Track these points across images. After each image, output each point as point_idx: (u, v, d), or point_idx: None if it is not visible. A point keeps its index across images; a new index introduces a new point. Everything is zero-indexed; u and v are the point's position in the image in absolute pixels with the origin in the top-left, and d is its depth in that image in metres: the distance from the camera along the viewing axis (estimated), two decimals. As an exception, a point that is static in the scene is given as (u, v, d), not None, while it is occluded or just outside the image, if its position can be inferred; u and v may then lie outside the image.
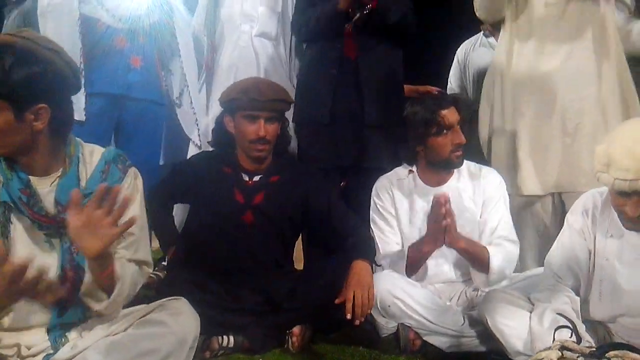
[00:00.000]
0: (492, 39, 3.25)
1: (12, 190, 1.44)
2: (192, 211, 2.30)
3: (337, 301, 1.93)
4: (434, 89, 3.11)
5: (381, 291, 2.01)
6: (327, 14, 2.52)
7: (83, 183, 1.51)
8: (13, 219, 1.46)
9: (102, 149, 1.59)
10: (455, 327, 2.02)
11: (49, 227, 1.47)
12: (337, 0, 2.46)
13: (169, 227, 2.36)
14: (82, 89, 2.34)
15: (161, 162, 2.79)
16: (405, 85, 2.74)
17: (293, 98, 2.47)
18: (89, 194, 1.44)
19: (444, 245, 2.08)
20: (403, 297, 2.03)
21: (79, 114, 2.36)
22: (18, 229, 1.46)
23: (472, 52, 3.38)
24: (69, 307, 1.50)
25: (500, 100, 2.48)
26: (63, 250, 1.49)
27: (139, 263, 1.59)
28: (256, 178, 2.21)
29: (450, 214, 2.01)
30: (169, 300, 1.57)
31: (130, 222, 1.40)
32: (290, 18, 2.80)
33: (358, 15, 2.45)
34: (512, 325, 1.82)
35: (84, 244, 1.39)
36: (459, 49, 3.49)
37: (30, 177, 1.46)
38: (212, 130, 2.33)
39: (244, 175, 2.21)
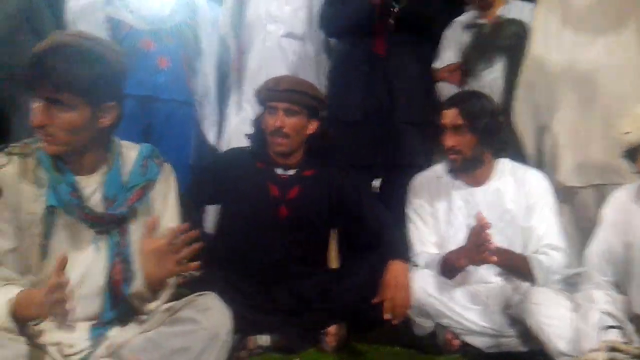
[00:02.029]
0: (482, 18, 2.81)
1: (62, 194, 1.45)
2: (225, 207, 2.26)
3: (374, 301, 1.90)
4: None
5: (417, 290, 1.96)
6: (357, 10, 2.48)
7: (126, 178, 1.54)
8: (57, 222, 1.47)
9: (137, 145, 1.62)
10: (494, 327, 1.96)
11: (99, 224, 1.49)
12: None
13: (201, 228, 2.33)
14: None
15: (190, 162, 2.78)
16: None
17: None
18: (132, 188, 1.52)
19: None
20: (440, 296, 1.97)
21: None
22: (61, 234, 1.48)
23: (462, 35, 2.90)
24: (119, 302, 1.51)
25: (539, 93, 2.40)
26: (111, 244, 1.51)
27: None
28: (290, 172, 2.17)
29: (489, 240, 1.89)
30: (198, 295, 1.55)
31: (195, 266, 1.44)
32: (317, 16, 2.77)
33: (393, 10, 2.41)
34: (555, 324, 1.76)
35: (148, 270, 1.46)
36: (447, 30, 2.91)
37: (77, 177, 1.48)
38: (252, 128, 2.28)
39: (277, 169, 2.17)
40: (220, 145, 2.83)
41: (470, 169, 2.15)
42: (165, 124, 2.53)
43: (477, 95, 2.18)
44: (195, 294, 1.57)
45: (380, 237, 2.10)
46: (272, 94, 2.09)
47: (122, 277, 1.52)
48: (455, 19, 2.83)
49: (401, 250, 2.06)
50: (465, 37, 2.69)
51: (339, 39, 2.67)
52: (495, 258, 1.90)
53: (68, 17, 2.44)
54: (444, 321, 1.98)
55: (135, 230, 1.55)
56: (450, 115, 2.09)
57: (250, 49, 2.82)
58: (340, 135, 2.53)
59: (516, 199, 2.14)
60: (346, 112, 2.52)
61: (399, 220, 2.25)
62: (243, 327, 1.81)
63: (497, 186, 2.16)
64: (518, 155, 2.38)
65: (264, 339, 1.94)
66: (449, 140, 2.09)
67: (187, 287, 2.02)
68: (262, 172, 2.16)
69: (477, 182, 2.18)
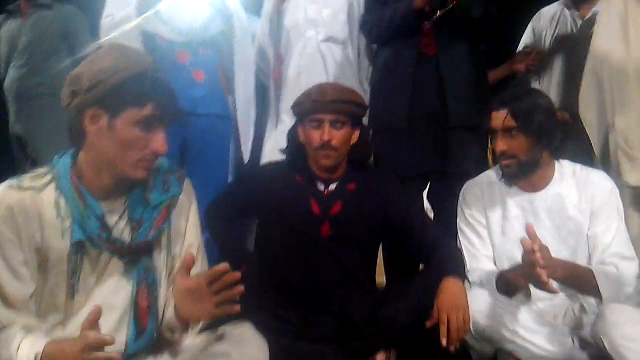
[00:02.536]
0: (574, 12, 2.83)
1: (90, 228, 1.35)
2: (261, 226, 2.15)
3: (428, 324, 1.72)
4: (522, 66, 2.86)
5: (475, 312, 1.76)
6: (402, 12, 2.34)
7: (148, 196, 1.44)
8: (85, 257, 1.38)
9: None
10: (563, 351, 1.74)
11: (130, 254, 1.41)
12: None
13: (239, 245, 2.22)
14: None
15: (230, 180, 2.69)
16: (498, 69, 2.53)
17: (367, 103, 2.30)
18: (157, 207, 1.42)
19: None
20: (501, 318, 1.77)
21: None
22: (89, 268, 1.38)
23: (549, 26, 2.91)
24: (144, 331, 1.41)
25: (605, 89, 2.19)
26: (139, 270, 1.42)
27: None
28: (332, 187, 2.04)
29: (543, 250, 1.70)
30: (233, 326, 1.45)
31: (237, 309, 1.36)
32: (358, 19, 2.64)
33: (439, 13, 2.26)
34: (636, 347, 1.54)
35: (183, 309, 1.38)
36: (534, 19, 3.02)
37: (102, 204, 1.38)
38: (287, 141, 2.17)
39: (318, 183, 2.04)
40: (259, 161, 2.73)
41: (527, 174, 1.95)
42: (203, 140, 2.43)
43: (528, 93, 1.98)
44: (230, 323, 1.47)
45: (430, 253, 1.93)
46: (317, 106, 1.94)
47: (148, 304, 1.42)
48: (543, 9, 2.83)
49: (455, 266, 1.88)
50: (551, 29, 2.56)
51: (383, 43, 2.51)
52: (559, 272, 1.71)
53: (102, 34, 2.38)
54: (507, 346, 1.78)
55: (160, 252, 1.46)
56: (500, 117, 1.90)
57: (289, 57, 2.71)
58: (386, 144, 2.40)
59: (579, 204, 1.93)
60: (392, 119, 2.37)
61: (451, 234, 2.08)
62: (283, 358, 1.67)
63: (557, 191, 1.96)
64: (583, 155, 2.17)
65: (307, 370, 1.79)
66: (501, 145, 1.90)
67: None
68: (302, 188, 2.03)
69: (535, 187, 1.98)
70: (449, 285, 1.77)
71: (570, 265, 1.84)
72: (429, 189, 2.50)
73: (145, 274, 1.42)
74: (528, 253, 1.65)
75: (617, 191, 1.96)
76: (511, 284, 1.81)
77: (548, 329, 1.79)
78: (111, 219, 1.38)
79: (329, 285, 1.96)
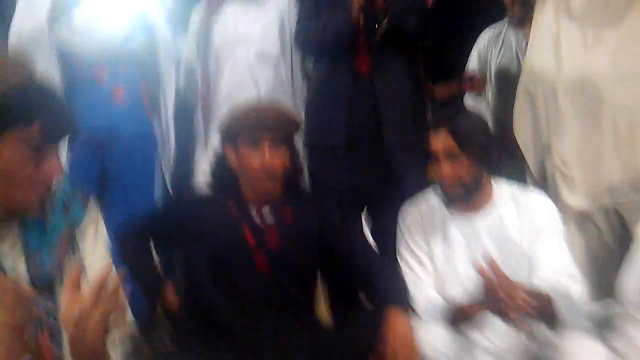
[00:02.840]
0: (519, 32, 2.86)
1: None
2: (191, 260, 1.94)
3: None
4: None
5: (427, 348, 1.64)
6: (335, 26, 2.23)
7: (46, 223, 1.26)
8: None
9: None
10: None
11: None
12: (346, 10, 2.18)
13: (154, 270, 1.98)
14: None
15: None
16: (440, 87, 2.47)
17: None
18: (55, 237, 1.26)
19: None
20: (453, 354, 1.66)
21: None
22: None
23: (494, 46, 2.95)
24: None
25: (540, 106, 2.14)
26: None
27: None
28: (265, 211, 1.86)
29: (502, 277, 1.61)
30: None
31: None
32: (290, 35, 2.53)
33: (379, 27, 2.17)
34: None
35: (71, 337, 1.10)
36: (480, 38, 3.03)
37: None
38: (210, 172, 1.97)
39: (251, 208, 1.86)
40: (185, 185, 2.56)
41: (470, 196, 1.88)
42: (124, 161, 2.27)
43: (464, 113, 1.94)
44: None
45: (372, 282, 1.82)
46: (255, 125, 1.79)
47: (52, 353, 1.20)
48: (485, 30, 2.91)
49: (398, 295, 1.77)
50: (496, 49, 2.55)
51: (317, 57, 2.41)
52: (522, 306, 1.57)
53: (12, 43, 2.17)
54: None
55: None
56: (440, 139, 1.80)
57: (219, 76, 2.56)
58: (322, 160, 2.30)
59: (519, 225, 1.85)
60: (328, 137, 2.26)
61: (392, 259, 1.98)
62: None
63: (497, 212, 1.87)
64: (518, 175, 2.13)
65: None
66: (446, 169, 1.80)
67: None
68: (234, 214, 1.86)
69: (475, 209, 1.88)
70: (394, 318, 1.66)
71: (533, 292, 1.67)
72: (367, 212, 2.40)
73: (47, 315, 1.21)
74: (487, 282, 1.55)
75: (556, 211, 1.90)
76: (465, 314, 1.71)
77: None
78: (6, 263, 1.17)
79: (266, 325, 1.79)
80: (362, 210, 2.38)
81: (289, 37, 2.53)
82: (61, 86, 2.14)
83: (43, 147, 1.11)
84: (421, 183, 2.07)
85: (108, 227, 2.27)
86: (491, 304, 1.60)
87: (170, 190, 2.43)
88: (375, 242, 2.29)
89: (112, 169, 2.27)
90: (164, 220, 1.94)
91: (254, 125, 1.79)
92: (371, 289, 1.81)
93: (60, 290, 1.25)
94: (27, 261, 1.20)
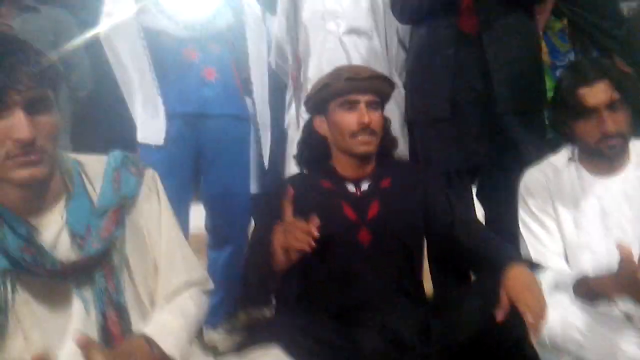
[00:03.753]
0: None
1: (10, 250, 1.05)
2: None
3: (499, 316, 1.42)
4: None
5: (550, 320, 1.45)
6: None
7: (95, 200, 1.17)
8: (16, 286, 1.08)
9: (104, 157, 1.24)
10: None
11: (74, 276, 1.11)
12: None
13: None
14: (159, 108, 2.07)
15: (253, 191, 2.44)
16: None
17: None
18: (104, 213, 1.15)
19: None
20: (583, 328, 1.47)
21: (155, 137, 2.07)
22: (25, 299, 1.09)
23: None
24: None
25: None
26: (98, 292, 1.13)
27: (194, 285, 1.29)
28: (364, 186, 1.77)
29: None
30: (259, 352, 1.20)
31: None
32: (382, 6, 2.39)
33: None
34: None
35: None
36: None
37: (29, 222, 1.09)
38: (299, 142, 1.91)
39: (348, 185, 1.77)
40: (280, 168, 2.49)
41: (623, 152, 1.66)
42: (219, 144, 2.19)
43: (611, 60, 1.72)
44: (257, 349, 1.23)
45: (483, 252, 1.65)
46: (351, 85, 1.69)
47: (121, 330, 1.14)
48: None
49: (518, 255, 1.61)
50: None
51: (416, 22, 2.23)
52: None
53: (101, 35, 2.15)
54: (590, 357, 1.47)
55: (122, 266, 1.18)
56: (600, 91, 1.60)
57: (309, 54, 2.46)
58: (427, 137, 2.14)
59: None
60: (433, 108, 2.09)
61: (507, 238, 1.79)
62: None
63: (636, 174, 1.66)
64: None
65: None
66: (609, 122, 1.60)
67: (250, 338, 1.65)
68: (331, 193, 1.76)
69: (611, 171, 1.68)
70: (516, 271, 1.48)
71: None
72: (478, 186, 2.21)
73: (108, 296, 1.14)
74: (627, 262, 1.34)
75: None
76: (598, 293, 1.50)
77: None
78: (47, 236, 1.10)
79: (371, 298, 1.67)
80: (473, 184, 2.20)
81: (382, 7, 2.40)
82: (152, 71, 2.10)
83: (2, 113, 1.01)
84: (539, 150, 1.88)
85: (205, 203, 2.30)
86: (627, 288, 1.39)
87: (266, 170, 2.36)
88: (488, 218, 2.12)
89: (206, 154, 2.20)
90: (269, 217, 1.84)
91: (351, 85, 1.69)
92: (484, 258, 1.63)
93: (116, 264, 1.17)
94: (78, 247, 1.11)
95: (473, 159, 2.05)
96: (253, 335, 1.64)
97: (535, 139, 1.99)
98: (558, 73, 2.31)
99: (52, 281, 1.10)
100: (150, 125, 2.10)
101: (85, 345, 0.98)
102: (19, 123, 1.01)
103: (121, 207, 1.18)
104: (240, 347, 1.35)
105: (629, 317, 1.53)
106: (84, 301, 1.12)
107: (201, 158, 2.19)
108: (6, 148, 1.02)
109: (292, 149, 2.43)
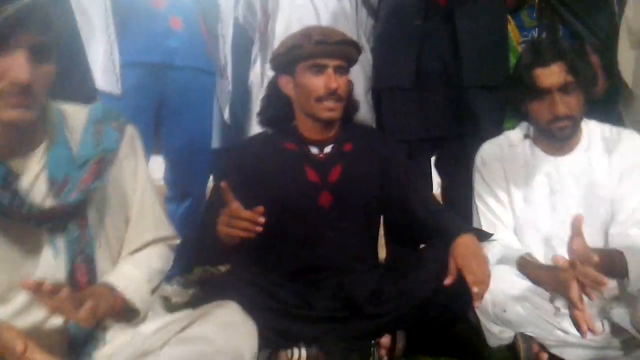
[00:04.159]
0: None
1: None
2: (254, 199, 1.86)
3: (447, 281, 1.49)
4: None
5: (494, 291, 1.52)
6: None
7: (74, 150, 1.17)
8: None
9: (84, 107, 1.23)
10: (596, 337, 1.52)
11: (49, 221, 1.11)
12: None
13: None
14: (115, 57, 2.01)
15: (214, 146, 2.42)
16: None
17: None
18: (84, 164, 1.16)
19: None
20: (525, 299, 1.55)
21: (112, 86, 2.01)
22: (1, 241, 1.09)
23: None
24: None
25: None
26: (70, 241, 1.14)
27: (161, 241, 1.32)
28: (327, 149, 1.79)
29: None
30: (215, 306, 1.20)
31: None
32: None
33: None
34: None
35: None
36: None
37: (8, 162, 1.09)
38: (263, 100, 1.90)
39: (312, 148, 1.78)
40: (244, 123, 2.47)
41: (573, 134, 1.72)
42: (182, 95, 2.16)
43: (571, 42, 1.76)
44: (212, 303, 1.22)
45: (436, 222, 1.71)
46: (321, 49, 1.68)
47: (87, 280, 1.16)
48: None
49: (468, 227, 1.67)
50: None
51: None
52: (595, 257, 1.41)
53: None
54: (529, 330, 1.56)
55: (96, 219, 1.19)
56: (555, 73, 1.64)
57: (278, 10, 2.42)
58: (391, 105, 2.15)
59: (609, 169, 1.71)
60: (398, 77, 2.10)
61: (463, 205, 1.86)
62: (273, 339, 1.48)
63: (586, 155, 1.73)
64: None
65: (300, 354, 1.54)
66: (560, 104, 1.64)
67: (203, 292, 1.67)
68: (294, 155, 1.78)
69: (562, 151, 1.74)
70: (465, 240, 1.55)
71: (603, 257, 1.49)
72: (437, 156, 2.26)
73: (79, 246, 1.15)
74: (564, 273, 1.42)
75: None
76: (537, 281, 1.58)
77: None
78: (25, 180, 1.10)
79: (328, 260, 1.71)
80: (432, 154, 2.25)
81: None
82: (115, 15, 2.03)
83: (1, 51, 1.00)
84: (498, 125, 1.93)
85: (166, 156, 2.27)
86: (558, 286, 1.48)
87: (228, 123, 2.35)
88: (446, 188, 2.17)
89: (169, 104, 2.17)
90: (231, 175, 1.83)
91: (320, 49, 1.68)
92: (436, 229, 1.69)
93: (90, 215, 1.18)
94: (54, 195, 1.11)
95: (434, 129, 2.09)
96: (207, 290, 1.68)
97: (495, 114, 2.03)
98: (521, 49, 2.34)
99: (26, 225, 1.10)
100: (107, 73, 2.05)
101: (35, 289, 0.97)
102: (19, 65, 1.01)
103: (101, 160, 1.18)
104: (194, 302, 1.37)
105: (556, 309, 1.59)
106: (54, 248, 1.12)
107: (163, 109, 2.16)
108: (0, 86, 1.01)
109: (255, 105, 2.43)
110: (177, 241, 1.40)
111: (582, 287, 1.39)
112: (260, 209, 1.39)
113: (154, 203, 1.32)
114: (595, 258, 1.37)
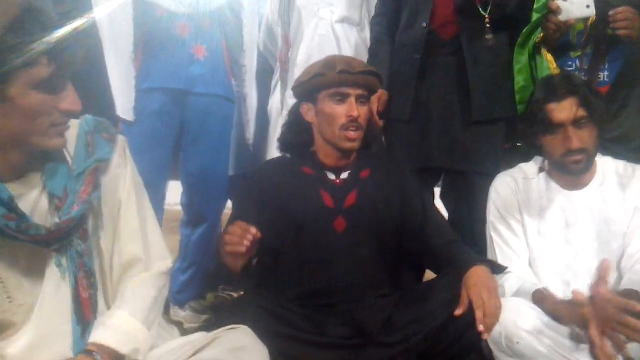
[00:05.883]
0: None
1: None
2: (267, 223, 1.89)
3: (458, 311, 1.50)
4: None
5: (506, 322, 1.52)
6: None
7: (70, 162, 1.18)
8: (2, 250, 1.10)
9: (76, 120, 1.23)
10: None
11: (56, 240, 1.12)
12: None
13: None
14: (131, 84, 2.06)
15: (231, 173, 2.45)
16: None
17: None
18: (80, 174, 1.16)
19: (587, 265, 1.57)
20: (538, 331, 1.53)
21: (126, 113, 2.06)
22: (7, 264, 1.10)
23: None
24: (89, 322, 1.16)
25: None
26: (72, 255, 1.14)
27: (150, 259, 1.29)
28: (344, 175, 1.81)
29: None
30: (228, 330, 1.21)
31: None
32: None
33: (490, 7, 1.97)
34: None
35: None
36: None
37: (9, 185, 1.09)
38: (284, 125, 1.93)
39: (328, 173, 1.81)
40: (263, 150, 2.52)
41: (587, 168, 1.72)
42: (200, 122, 2.21)
43: (581, 78, 1.77)
44: (224, 327, 1.23)
45: (449, 253, 1.72)
46: (344, 78, 1.72)
47: (89, 294, 1.16)
48: None
49: (481, 260, 1.66)
50: None
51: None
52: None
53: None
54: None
55: (93, 230, 1.20)
56: (567, 108, 1.66)
57: (300, 39, 2.47)
58: (398, 134, 2.18)
59: (622, 204, 1.71)
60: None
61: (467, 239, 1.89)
62: None
63: (599, 189, 1.74)
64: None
65: (311, 380, 1.55)
66: (575, 140, 1.66)
67: (216, 318, 1.67)
68: (311, 179, 1.80)
69: (576, 185, 1.75)
70: (477, 271, 1.56)
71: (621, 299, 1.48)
72: (442, 188, 2.27)
73: (82, 259, 1.15)
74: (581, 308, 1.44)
75: None
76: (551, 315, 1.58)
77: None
78: (27, 202, 1.10)
79: (340, 285, 1.72)
80: (436, 184, 2.27)
81: (373, 1, 2.42)
82: (141, 42, 2.09)
83: (58, 85, 1.05)
84: (503, 161, 1.95)
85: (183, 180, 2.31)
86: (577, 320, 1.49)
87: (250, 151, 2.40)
88: (449, 220, 2.18)
89: (189, 131, 2.21)
90: (246, 196, 1.86)
91: (343, 78, 1.72)
92: (450, 260, 1.70)
93: (89, 227, 1.19)
94: (56, 210, 1.12)
95: (434, 159, 2.08)
96: (220, 315, 1.69)
97: (499, 149, 2.06)
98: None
99: (34, 246, 1.11)
100: (123, 99, 2.09)
101: None
102: (72, 96, 1.08)
103: (96, 170, 1.19)
104: (207, 327, 1.38)
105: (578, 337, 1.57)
106: (59, 266, 1.13)
107: (183, 135, 2.21)
108: (52, 117, 1.07)
109: (274, 132, 2.47)
110: (168, 265, 1.35)
111: (603, 325, 1.39)
112: (253, 229, 1.41)
113: (143, 217, 1.30)
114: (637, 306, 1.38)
